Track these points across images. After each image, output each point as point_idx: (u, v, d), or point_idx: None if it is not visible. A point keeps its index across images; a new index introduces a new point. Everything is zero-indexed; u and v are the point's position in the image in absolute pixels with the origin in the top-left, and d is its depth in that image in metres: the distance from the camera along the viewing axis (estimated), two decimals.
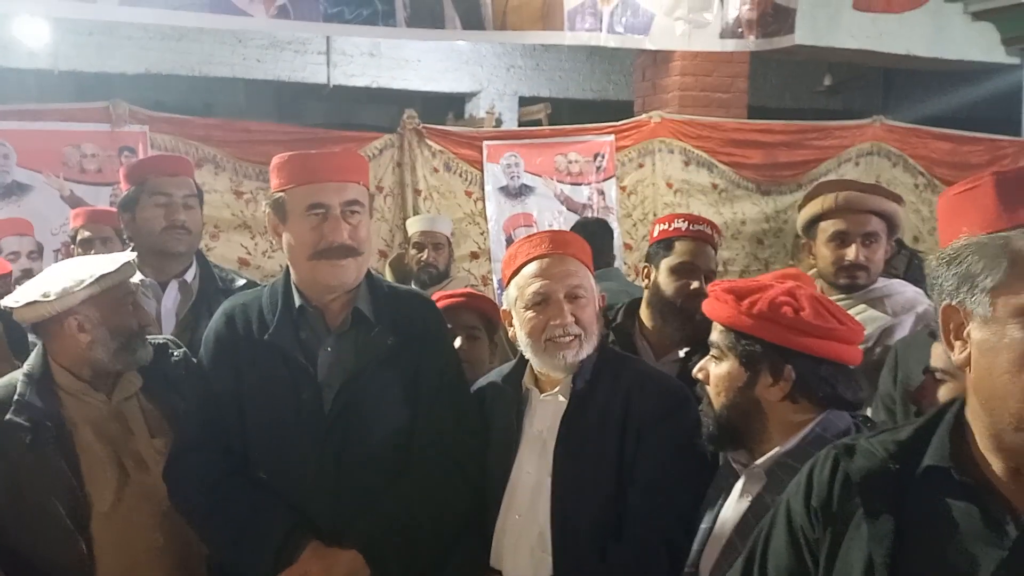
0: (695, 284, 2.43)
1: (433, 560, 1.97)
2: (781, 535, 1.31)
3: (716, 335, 1.76)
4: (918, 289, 2.71)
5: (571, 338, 1.92)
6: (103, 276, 2.09)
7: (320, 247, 1.94)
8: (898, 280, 2.77)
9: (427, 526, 1.95)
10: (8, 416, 2.03)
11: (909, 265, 5.28)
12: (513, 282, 2.01)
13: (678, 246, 2.51)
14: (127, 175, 2.74)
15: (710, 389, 1.77)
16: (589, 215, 5.47)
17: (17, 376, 2.12)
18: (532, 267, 1.97)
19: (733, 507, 1.72)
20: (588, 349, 1.95)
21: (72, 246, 3.51)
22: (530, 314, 1.95)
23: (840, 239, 2.59)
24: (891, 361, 2.35)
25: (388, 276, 4.30)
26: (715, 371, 1.76)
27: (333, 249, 1.94)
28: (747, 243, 6.01)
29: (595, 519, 1.88)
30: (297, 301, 2.01)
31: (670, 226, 2.56)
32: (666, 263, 2.49)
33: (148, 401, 2.18)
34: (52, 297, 2.04)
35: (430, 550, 1.96)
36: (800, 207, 2.81)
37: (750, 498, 1.69)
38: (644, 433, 1.89)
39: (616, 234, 5.28)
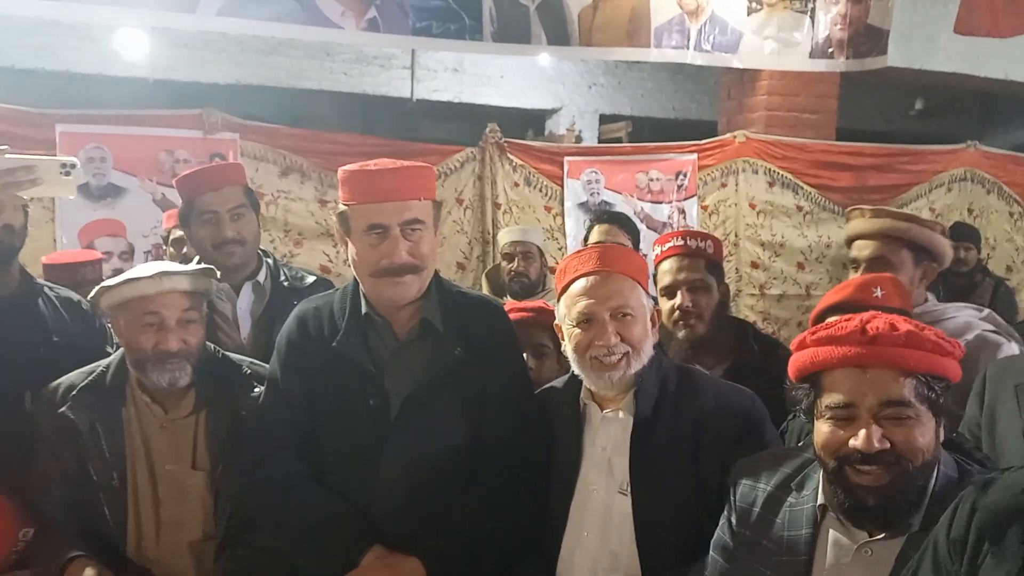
0: (675, 300, 2.44)
1: (495, 573, 1.95)
2: (928, 568, 1.27)
3: (901, 391, 1.44)
4: (976, 313, 2.61)
5: (617, 357, 1.88)
6: (105, 289, 2.06)
7: (380, 266, 1.94)
8: (955, 304, 2.66)
9: (490, 538, 1.93)
10: (62, 410, 2.06)
11: (995, 293, 5.10)
12: (562, 298, 1.99)
13: (660, 269, 2.53)
14: (179, 189, 2.75)
15: (906, 452, 1.44)
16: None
17: (101, 364, 2.15)
18: (579, 285, 1.94)
19: (859, 565, 1.53)
20: (637, 366, 1.91)
21: (164, 246, 3.60)
22: (576, 332, 1.93)
23: (855, 266, 2.61)
24: (979, 386, 2.26)
25: (485, 287, 4.31)
26: (912, 434, 1.45)
27: (393, 268, 1.93)
28: (831, 267, 5.85)
29: (678, 539, 1.84)
30: (363, 309, 2.01)
31: (653, 254, 2.60)
32: (659, 291, 2.51)
33: (210, 426, 2.12)
34: (92, 293, 2.08)
35: (492, 563, 1.94)
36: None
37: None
38: (722, 453, 1.84)
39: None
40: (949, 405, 1.51)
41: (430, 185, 2.03)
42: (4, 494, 2.07)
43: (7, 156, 1.96)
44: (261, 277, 2.69)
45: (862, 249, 2.56)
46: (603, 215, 3.97)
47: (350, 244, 1.99)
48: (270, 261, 2.75)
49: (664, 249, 2.54)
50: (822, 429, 1.51)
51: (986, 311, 2.64)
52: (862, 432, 1.44)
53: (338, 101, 8.43)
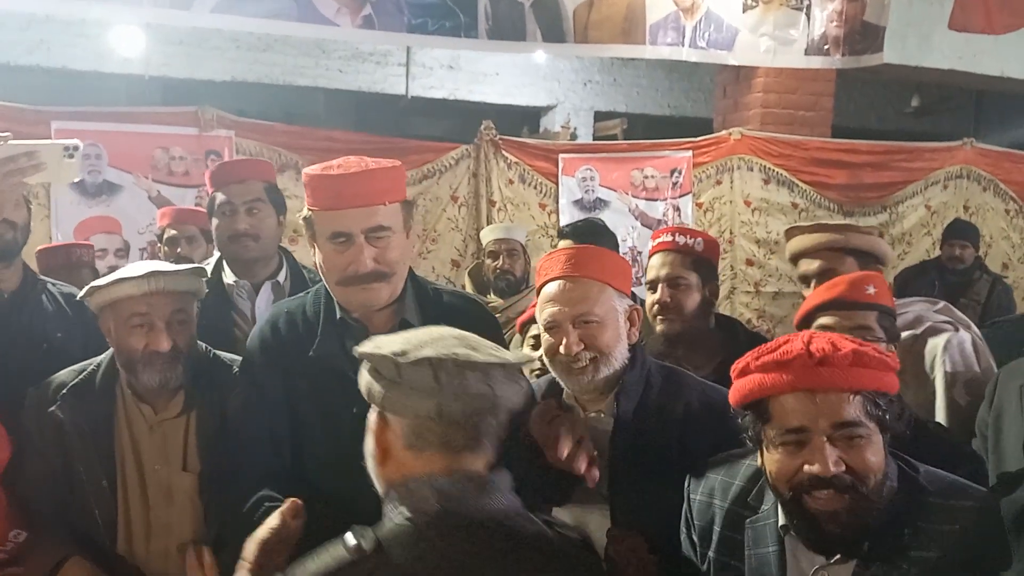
0: (655, 295, 2.47)
1: None
2: None
3: (852, 411, 1.42)
4: (930, 306, 2.66)
5: (583, 364, 1.87)
6: (95, 289, 2.04)
7: (347, 274, 1.86)
8: (907, 299, 2.71)
9: None
10: (52, 409, 2.05)
11: (992, 290, 5.12)
12: (537, 301, 1.98)
13: (650, 263, 2.56)
14: (209, 181, 2.78)
15: (861, 475, 1.42)
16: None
17: (92, 363, 2.13)
18: (549, 289, 1.92)
19: None
20: (607, 371, 1.89)
21: (158, 244, 3.60)
22: (545, 336, 1.93)
23: (805, 282, 2.67)
24: (991, 387, 2.29)
25: (468, 286, 4.31)
26: (864, 455, 1.43)
27: (359, 276, 1.86)
28: None
29: (656, 533, 1.78)
30: (338, 313, 1.95)
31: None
32: (646, 285, 2.54)
33: (200, 427, 2.09)
34: (82, 293, 2.07)
35: None
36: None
37: None
38: (706, 454, 1.81)
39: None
40: (894, 419, 1.49)
41: (398, 187, 1.92)
42: None
43: (10, 143, 1.92)
44: (281, 277, 2.67)
45: (809, 265, 2.62)
46: (564, 229, 3.71)
47: (316, 250, 1.92)
48: (292, 262, 2.72)
49: (655, 244, 2.57)
50: (774, 457, 1.47)
51: (941, 303, 2.70)
52: (817, 458, 1.41)
53: (333, 98, 8.43)
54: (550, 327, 1.92)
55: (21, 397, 2.13)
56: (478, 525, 1.27)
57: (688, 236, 2.52)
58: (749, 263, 5.74)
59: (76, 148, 1.98)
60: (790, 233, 2.75)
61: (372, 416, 1.36)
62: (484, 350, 1.32)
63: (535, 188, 5.48)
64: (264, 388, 1.96)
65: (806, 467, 1.42)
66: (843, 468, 1.41)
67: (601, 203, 5.58)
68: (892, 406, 1.48)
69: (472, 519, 1.27)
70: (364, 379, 1.35)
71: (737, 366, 1.55)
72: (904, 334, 2.46)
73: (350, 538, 1.26)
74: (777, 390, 1.45)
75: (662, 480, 1.80)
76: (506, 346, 2.17)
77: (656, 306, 2.48)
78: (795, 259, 2.70)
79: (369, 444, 1.37)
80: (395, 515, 1.28)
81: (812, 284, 2.55)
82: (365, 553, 1.24)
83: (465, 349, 1.29)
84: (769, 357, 1.47)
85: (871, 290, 2.09)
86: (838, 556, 1.47)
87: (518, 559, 1.27)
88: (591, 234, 3.42)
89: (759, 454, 1.54)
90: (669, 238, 2.52)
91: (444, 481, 1.28)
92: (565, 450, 1.69)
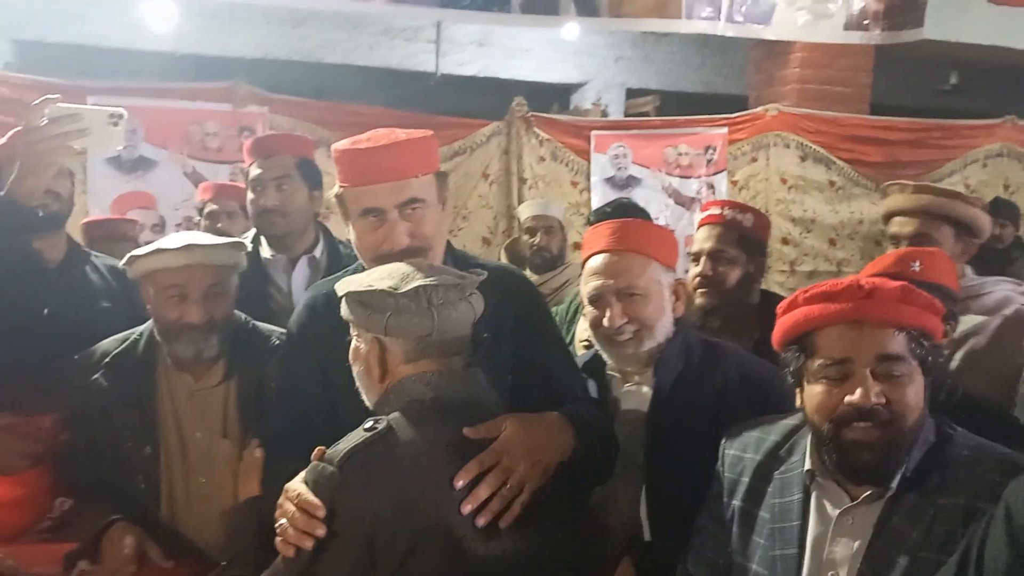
0: (697, 268, 2.48)
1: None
2: (1000, 535, 1.23)
3: (897, 346, 1.45)
4: (1015, 287, 2.59)
5: (626, 337, 1.91)
6: (134, 258, 2.06)
7: (381, 251, 1.79)
8: (994, 279, 2.64)
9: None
10: (95, 377, 2.09)
11: None
12: (582, 273, 2.02)
13: (696, 236, 2.58)
14: (245, 154, 2.77)
15: (899, 411, 1.44)
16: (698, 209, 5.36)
17: (135, 332, 2.16)
18: (594, 262, 1.97)
19: (841, 532, 1.51)
20: (650, 343, 1.92)
21: (198, 218, 3.62)
22: (589, 309, 1.97)
23: (895, 242, 2.62)
24: None
25: (504, 260, 4.29)
26: (905, 392, 1.45)
27: (394, 254, 1.79)
28: (863, 244, 5.78)
29: (689, 512, 1.78)
30: None
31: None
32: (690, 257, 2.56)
33: (240, 395, 2.11)
34: (122, 262, 2.10)
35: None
36: None
37: (869, 524, 1.48)
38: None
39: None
40: (938, 366, 1.52)
41: (430, 159, 1.85)
42: (44, 462, 2.09)
43: (58, 105, 1.93)
44: (318, 252, 2.67)
45: (903, 226, 2.55)
46: (591, 218, 3.47)
47: (350, 227, 1.87)
48: (329, 237, 2.71)
49: (703, 216, 2.59)
50: (815, 391, 1.49)
51: None
52: (859, 388, 1.42)
53: (363, 75, 8.39)
54: (594, 299, 1.94)
55: (67, 365, 2.16)
56: (463, 408, 1.55)
57: (737, 211, 2.52)
58: (784, 242, 5.68)
59: (121, 117, 1.99)
60: (890, 189, 2.69)
61: (362, 345, 1.60)
62: (449, 273, 1.60)
63: (566, 165, 5.45)
64: (301, 372, 1.94)
65: (847, 398, 1.44)
66: (883, 401, 1.43)
67: (633, 180, 5.53)
68: (936, 352, 1.50)
69: (458, 404, 1.56)
70: (353, 313, 1.59)
71: (784, 303, 1.58)
72: (995, 317, 2.40)
73: (368, 422, 1.52)
74: (825, 321, 1.48)
75: (698, 451, 1.81)
76: (549, 316, 2.16)
77: (698, 279, 2.48)
78: (889, 217, 2.63)
79: (361, 367, 1.61)
80: (395, 408, 1.55)
81: (901, 246, 2.50)
82: (379, 432, 1.49)
83: (440, 274, 1.57)
84: (817, 290, 1.51)
85: (916, 266, 2.08)
86: (866, 494, 1.48)
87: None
88: (619, 215, 3.36)
89: (798, 393, 1.55)
90: (717, 211, 2.53)
91: (435, 376, 1.56)
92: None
